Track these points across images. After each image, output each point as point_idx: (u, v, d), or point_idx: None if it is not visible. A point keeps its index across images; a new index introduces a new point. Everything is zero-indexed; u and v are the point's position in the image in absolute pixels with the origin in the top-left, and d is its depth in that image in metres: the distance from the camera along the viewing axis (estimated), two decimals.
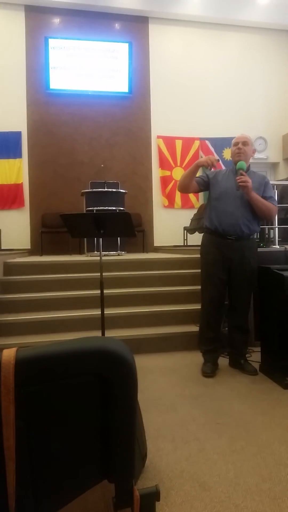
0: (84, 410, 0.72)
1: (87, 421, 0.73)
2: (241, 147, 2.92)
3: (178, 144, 7.77)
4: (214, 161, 2.79)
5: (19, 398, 0.63)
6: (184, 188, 3.01)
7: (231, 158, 3.06)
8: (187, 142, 7.82)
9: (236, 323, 3.08)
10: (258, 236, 4.05)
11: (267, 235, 4.58)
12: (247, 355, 3.20)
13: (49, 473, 0.73)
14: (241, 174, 2.78)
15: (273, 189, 4.10)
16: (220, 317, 3.09)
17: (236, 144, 2.95)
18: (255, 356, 3.29)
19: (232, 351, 3.15)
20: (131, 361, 0.71)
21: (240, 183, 2.75)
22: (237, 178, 2.78)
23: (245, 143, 2.93)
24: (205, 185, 3.03)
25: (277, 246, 3.92)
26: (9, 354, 0.61)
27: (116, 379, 0.70)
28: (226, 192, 2.90)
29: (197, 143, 7.79)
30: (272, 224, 4.21)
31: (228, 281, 3.00)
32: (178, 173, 7.55)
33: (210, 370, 2.98)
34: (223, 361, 3.26)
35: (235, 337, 3.08)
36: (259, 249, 3.80)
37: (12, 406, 0.62)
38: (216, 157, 2.89)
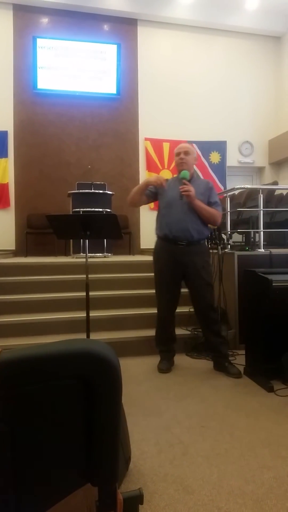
0: (68, 412, 0.71)
1: (70, 424, 0.72)
2: (183, 156, 3.07)
3: (166, 147, 7.80)
4: (163, 181, 2.96)
5: (2, 400, 0.61)
6: (134, 203, 3.17)
7: (176, 167, 3.17)
8: (175, 145, 7.79)
9: (206, 326, 3.16)
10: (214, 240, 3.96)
11: (252, 239, 4.62)
12: (230, 358, 3.23)
13: (31, 477, 0.71)
14: (184, 183, 2.91)
15: (261, 194, 4.17)
16: (173, 319, 3.22)
17: (178, 154, 3.10)
18: (239, 359, 3.31)
19: (215, 355, 3.20)
20: (116, 363, 0.70)
21: (183, 193, 2.88)
22: (180, 187, 2.91)
23: (186, 152, 3.08)
24: (153, 196, 3.16)
25: (262, 250, 3.96)
26: None
27: (100, 381, 0.69)
28: (173, 200, 3.01)
29: None
30: (257, 228, 4.25)
31: (187, 287, 3.12)
32: (165, 176, 7.55)
33: (165, 367, 3.13)
34: (208, 364, 3.28)
35: (212, 340, 3.16)
36: (245, 253, 3.85)
37: None
38: (164, 177, 2.99)
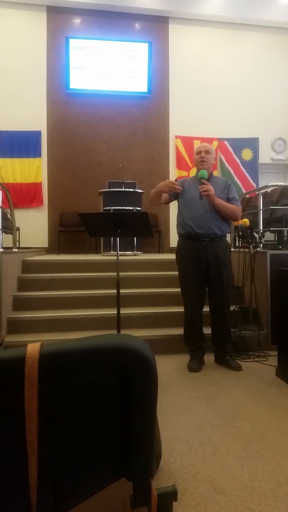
0: (104, 407, 0.72)
1: (107, 418, 0.73)
2: (204, 155, 3.09)
3: (196, 145, 7.71)
4: (173, 186, 2.95)
5: (41, 392, 0.63)
6: (155, 204, 3.22)
7: (195, 165, 3.18)
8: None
9: (218, 322, 3.20)
10: (253, 238, 3.90)
11: (285, 238, 4.52)
12: (262, 359, 3.21)
13: (68, 469, 0.73)
14: (203, 183, 2.93)
15: None
16: (201, 317, 3.23)
17: (199, 153, 3.11)
18: (271, 360, 3.26)
19: (216, 349, 3.27)
20: (152, 359, 0.70)
21: (202, 193, 2.91)
22: (200, 187, 2.93)
23: (207, 151, 3.10)
24: (175, 196, 3.19)
25: None
26: (34, 348, 0.62)
27: (137, 377, 0.70)
28: (194, 198, 3.03)
29: (215, 143, 7.75)
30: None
31: (207, 282, 3.13)
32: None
33: (196, 366, 3.13)
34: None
35: (219, 336, 3.22)
36: (278, 252, 3.77)
37: (35, 400, 0.62)
38: (173, 181, 3.00)
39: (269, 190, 5.72)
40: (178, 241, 3.26)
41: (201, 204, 3.01)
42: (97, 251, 6.63)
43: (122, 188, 5.89)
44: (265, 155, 7.97)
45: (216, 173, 7.60)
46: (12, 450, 0.65)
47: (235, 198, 3.14)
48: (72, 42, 7.34)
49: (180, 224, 3.17)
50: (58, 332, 3.62)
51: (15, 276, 4.11)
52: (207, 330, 3.29)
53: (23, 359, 0.62)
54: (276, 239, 4.83)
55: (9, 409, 0.63)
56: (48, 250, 7.19)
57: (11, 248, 4.72)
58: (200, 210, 3.03)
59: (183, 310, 3.25)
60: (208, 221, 3.03)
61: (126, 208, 5.56)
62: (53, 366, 0.64)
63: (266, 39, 8.00)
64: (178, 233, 3.23)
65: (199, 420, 2.25)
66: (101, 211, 5.70)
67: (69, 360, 0.65)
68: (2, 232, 4.41)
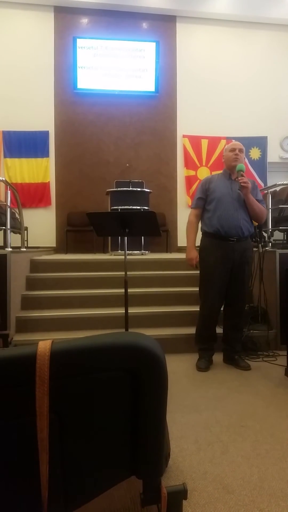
0: (115, 405, 0.72)
1: (117, 416, 0.73)
2: (238, 153, 3.08)
3: (204, 144, 7.72)
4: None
5: (52, 390, 0.63)
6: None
7: (226, 163, 3.16)
8: (213, 142, 7.76)
9: (232, 321, 3.19)
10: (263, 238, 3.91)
11: None
12: (271, 359, 3.19)
13: (78, 466, 0.73)
14: (242, 175, 2.93)
15: None
16: (217, 318, 3.20)
17: (234, 150, 3.10)
18: (280, 360, 3.24)
19: (226, 348, 3.25)
20: (163, 358, 0.70)
21: (242, 183, 2.89)
22: (239, 178, 2.92)
23: (241, 150, 3.11)
24: (205, 197, 3.17)
25: None
26: (45, 346, 0.62)
27: (147, 375, 0.70)
28: (223, 196, 3.03)
29: (223, 142, 7.72)
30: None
31: (229, 281, 3.11)
32: (203, 173, 7.50)
33: (204, 366, 3.12)
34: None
35: (231, 334, 3.21)
36: (287, 251, 3.74)
37: (46, 397, 0.62)
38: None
39: (278, 189, 5.68)
40: (202, 240, 3.19)
41: (231, 203, 3.00)
42: (104, 251, 6.65)
43: (129, 188, 5.90)
44: (274, 154, 7.92)
45: None
46: (24, 447, 0.66)
47: (262, 200, 3.13)
48: (80, 42, 7.36)
49: (208, 223, 3.11)
50: (66, 331, 3.64)
51: (24, 276, 4.13)
52: (217, 330, 3.27)
53: (34, 356, 0.62)
54: (285, 238, 4.80)
55: (21, 407, 0.64)
56: (56, 250, 7.22)
57: (19, 247, 4.75)
58: (230, 210, 2.99)
59: (192, 309, 3.23)
60: (237, 221, 2.99)
61: (134, 207, 5.56)
62: (64, 364, 0.64)
63: (274, 37, 7.95)
64: (203, 231, 3.18)
65: (208, 419, 2.24)
66: (109, 210, 5.71)
67: (81, 357, 0.65)
68: (10, 231, 4.43)
